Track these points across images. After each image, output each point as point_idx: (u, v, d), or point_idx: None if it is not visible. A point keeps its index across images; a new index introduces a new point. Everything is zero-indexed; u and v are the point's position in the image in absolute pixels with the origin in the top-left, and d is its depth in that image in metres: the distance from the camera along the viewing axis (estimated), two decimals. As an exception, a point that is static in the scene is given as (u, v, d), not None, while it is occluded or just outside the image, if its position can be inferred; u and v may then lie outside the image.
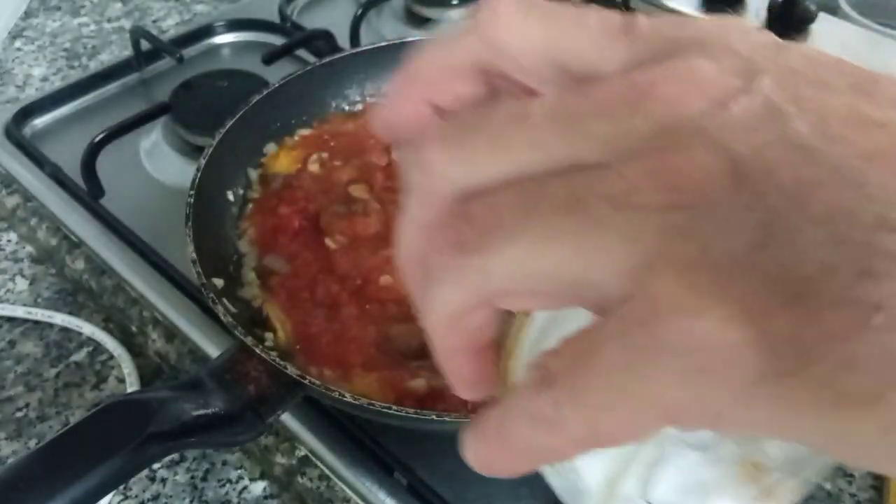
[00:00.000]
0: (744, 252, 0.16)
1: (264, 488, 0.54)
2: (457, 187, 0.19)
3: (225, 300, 0.51)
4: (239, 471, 0.55)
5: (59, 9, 1.03)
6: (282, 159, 0.64)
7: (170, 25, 0.99)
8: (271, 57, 0.78)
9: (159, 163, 0.73)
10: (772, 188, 0.16)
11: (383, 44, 0.70)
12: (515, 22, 0.21)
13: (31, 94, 0.87)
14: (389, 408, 0.43)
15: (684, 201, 0.17)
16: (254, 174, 0.63)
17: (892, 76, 0.21)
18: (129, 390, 0.59)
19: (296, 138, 0.66)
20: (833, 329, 0.15)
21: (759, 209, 0.16)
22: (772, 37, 0.21)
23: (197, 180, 0.55)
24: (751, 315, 0.16)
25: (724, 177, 0.17)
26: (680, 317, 0.16)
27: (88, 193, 0.68)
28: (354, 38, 0.83)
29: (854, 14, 0.96)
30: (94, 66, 0.91)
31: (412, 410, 0.44)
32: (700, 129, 0.17)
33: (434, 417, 0.43)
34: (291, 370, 0.44)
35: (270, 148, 0.65)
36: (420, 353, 0.50)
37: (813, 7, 0.91)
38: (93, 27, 0.99)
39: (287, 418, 0.52)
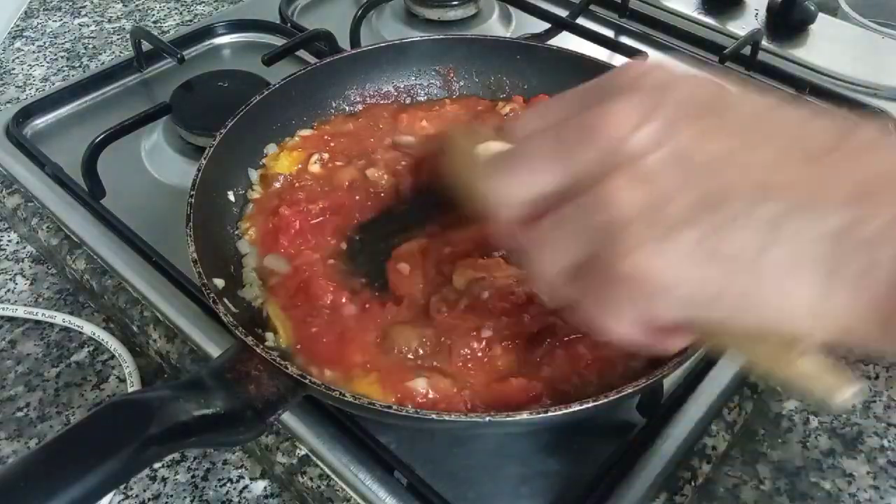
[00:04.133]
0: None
1: (265, 487, 0.54)
2: None
3: (226, 300, 0.51)
4: (239, 470, 0.55)
5: (59, 9, 1.03)
6: (282, 160, 0.64)
7: (170, 26, 1.00)
8: (271, 57, 0.78)
9: (160, 163, 0.73)
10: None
11: (383, 44, 0.70)
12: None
13: (32, 94, 0.87)
14: (389, 408, 0.43)
15: None
16: (254, 174, 0.63)
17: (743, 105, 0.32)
18: (130, 390, 0.59)
19: (296, 139, 0.66)
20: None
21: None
22: (670, 74, 0.31)
23: (197, 180, 0.55)
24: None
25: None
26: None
27: (89, 194, 0.68)
28: (354, 39, 0.84)
29: (854, 14, 0.96)
30: (94, 66, 0.92)
31: (412, 410, 0.44)
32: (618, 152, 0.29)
33: (434, 417, 0.43)
34: (292, 370, 0.44)
35: (271, 148, 0.65)
36: (420, 353, 0.50)
37: (813, 7, 0.91)
38: (93, 28, 0.99)
39: (287, 418, 0.52)
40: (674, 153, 0.28)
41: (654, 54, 0.85)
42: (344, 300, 0.53)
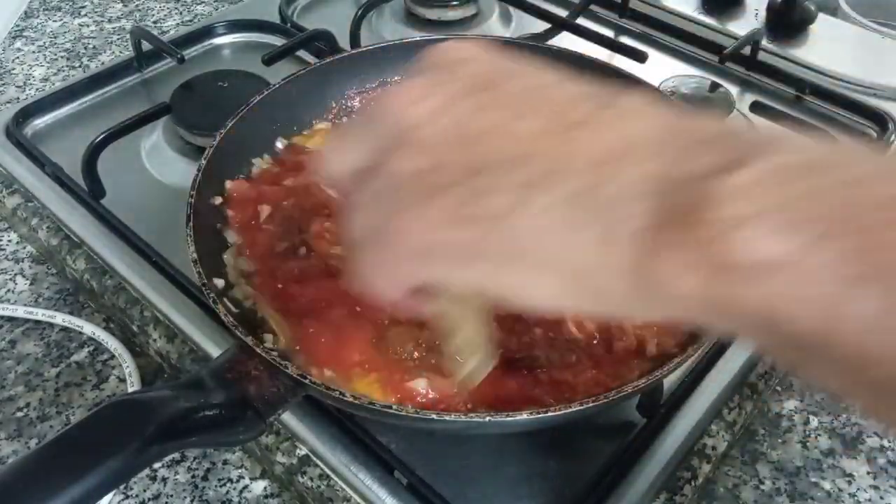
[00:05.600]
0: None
1: (265, 487, 0.54)
2: None
3: (226, 300, 0.51)
4: (239, 470, 0.55)
5: (59, 9, 1.03)
6: (316, 136, 0.65)
7: (170, 26, 1.00)
8: (272, 57, 0.78)
9: (160, 163, 0.73)
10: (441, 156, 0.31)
11: (383, 44, 0.70)
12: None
13: (32, 94, 0.87)
14: (389, 407, 0.43)
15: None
16: (257, 167, 0.63)
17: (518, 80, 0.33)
18: (130, 390, 0.59)
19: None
20: None
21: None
22: (465, 52, 0.35)
23: (197, 180, 0.55)
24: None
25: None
26: None
27: (89, 194, 0.68)
28: (354, 39, 0.84)
29: (854, 14, 0.96)
30: (94, 66, 0.92)
31: (412, 410, 0.44)
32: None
33: (434, 417, 0.43)
34: (292, 370, 0.44)
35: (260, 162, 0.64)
36: (415, 356, 0.49)
37: (813, 7, 0.91)
38: (93, 28, 0.99)
39: (288, 418, 0.52)
40: (449, 125, 0.31)
41: (653, 54, 0.85)
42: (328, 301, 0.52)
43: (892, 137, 0.77)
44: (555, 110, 0.31)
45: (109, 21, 1.00)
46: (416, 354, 0.49)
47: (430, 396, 0.47)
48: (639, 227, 0.27)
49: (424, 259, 0.32)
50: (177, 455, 0.56)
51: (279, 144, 0.65)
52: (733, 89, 0.82)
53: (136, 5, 1.03)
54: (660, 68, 0.84)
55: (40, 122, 0.78)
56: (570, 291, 0.30)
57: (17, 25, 0.99)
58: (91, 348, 0.63)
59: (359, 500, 0.50)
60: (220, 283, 0.53)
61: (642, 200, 0.27)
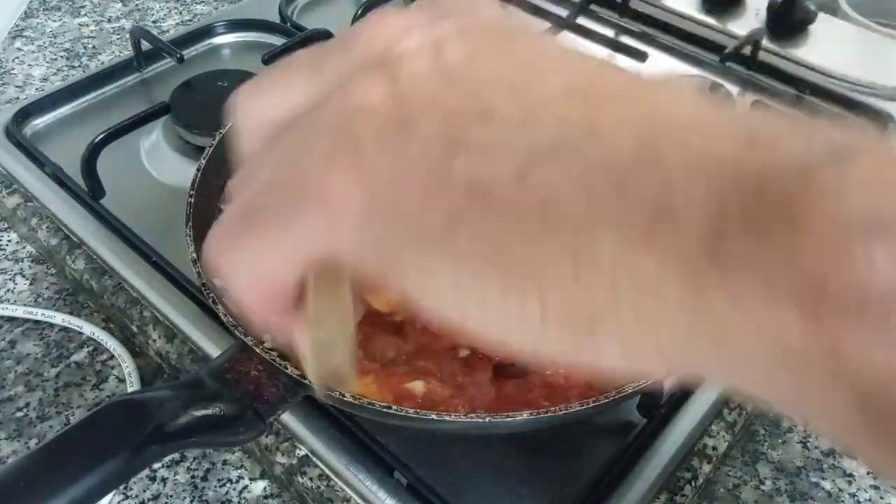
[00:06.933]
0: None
1: (264, 488, 0.54)
2: None
3: (225, 300, 0.51)
4: (239, 470, 0.55)
5: (59, 9, 1.03)
6: None
7: (170, 25, 1.00)
8: (271, 57, 0.78)
9: (160, 163, 0.73)
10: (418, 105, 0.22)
11: (383, 44, 0.70)
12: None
13: (32, 94, 0.87)
14: (389, 408, 0.43)
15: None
16: None
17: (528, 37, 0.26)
18: (130, 390, 0.59)
19: None
20: None
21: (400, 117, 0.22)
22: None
23: (197, 180, 0.55)
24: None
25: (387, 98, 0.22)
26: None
27: (89, 193, 0.68)
28: (354, 39, 0.83)
29: (854, 14, 0.96)
30: (94, 66, 0.92)
31: (412, 410, 0.44)
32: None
33: (434, 417, 0.43)
34: (292, 370, 0.44)
35: None
36: (396, 363, 0.49)
37: (813, 7, 0.91)
38: (93, 27, 0.99)
39: (287, 418, 0.52)
40: (436, 64, 0.23)
41: (654, 54, 0.85)
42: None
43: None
44: (572, 73, 0.23)
45: (109, 21, 1.00)
46: (397, 362, 0.49)
47: (430, 397, 0.47)
48: (697, 224, 0.18)
49: (350, 218, 0.22)
50: (177, 455, 0.56)
51: None
52: (734, 89, 0.82)
53: (136, 5, 1.03)
54: (660, 68, 0.84)
55: (40, 121, 0.78)
56: (569, 326, 0.20)
57: (17, 25, 0.99)
58: (91, 348, 0.63)
59: (359, 500, 0.50)
60: (219, 282, 0.53)
61: (701, 189, 0.18)
